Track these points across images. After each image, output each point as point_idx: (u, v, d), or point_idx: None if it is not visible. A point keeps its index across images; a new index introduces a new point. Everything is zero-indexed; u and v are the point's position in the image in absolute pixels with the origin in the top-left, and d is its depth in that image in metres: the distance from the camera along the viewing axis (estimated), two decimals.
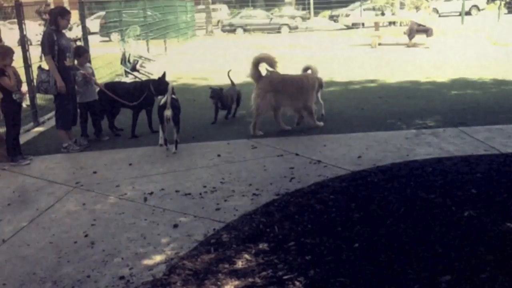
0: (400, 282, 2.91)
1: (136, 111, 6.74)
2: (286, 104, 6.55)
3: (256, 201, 4.24)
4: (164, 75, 6.70)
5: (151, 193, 4.60)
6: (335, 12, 33.24)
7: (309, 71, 6.97)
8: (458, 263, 3.07)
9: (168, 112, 5.82)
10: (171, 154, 5.80)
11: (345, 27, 28.15)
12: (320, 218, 3.82)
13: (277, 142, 5.99)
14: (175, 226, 3.89)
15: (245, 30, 28.23)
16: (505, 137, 5.76)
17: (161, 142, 6.06)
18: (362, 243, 3.38)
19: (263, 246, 3.43)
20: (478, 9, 34.73)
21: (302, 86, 6.54)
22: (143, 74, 12.52)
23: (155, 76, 11.77)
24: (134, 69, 12.45)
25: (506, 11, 28.19)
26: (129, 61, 12.46)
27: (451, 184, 4.39)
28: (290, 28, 28.38)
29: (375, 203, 4.05)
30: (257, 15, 29.78)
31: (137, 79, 11.36)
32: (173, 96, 6.05)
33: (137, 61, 12.86)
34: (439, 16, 32.21)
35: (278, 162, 5.29)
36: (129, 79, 11.38)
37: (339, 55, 15.34)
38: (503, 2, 28.38)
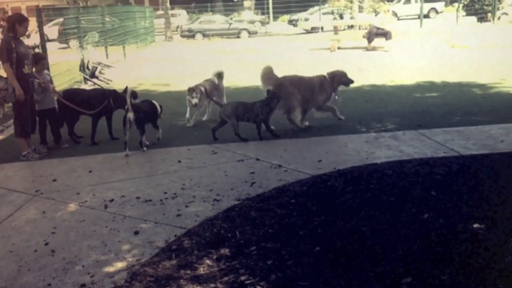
0: (361, 285, 2.93)
1: (95, 118, 6.62)
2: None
3: (217, 207, 4.20)
4: (126, 89, 6.64)
5: (112, 200, 4.51)
6: (294, 16, 33.56)
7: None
8: (418, 265, 3.11)
9: (130, 115, 5.86)
10: (132, 160, 5.71)
11: (304, 31, 28.44)
12: (281, 222, 3.81)
13: (238, 147, 5.95)
14: (136, 233, 3.82)
15: (204, 35, 28.15)
16: (464, 139, 5.89)
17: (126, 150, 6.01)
18: (323, 246, 3.38)
19: (224, 251, 3.39)
20: (437, 12, 35.73)
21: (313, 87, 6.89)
22: (102, 80, 12.31)
23: (115, 82, 11.57)
24: (93, 75, 12.24)
25: (464, 13, 29.10)
26: (88, 67, 12.25)
27: (411, 186, 4.45)
28: (249, 33, 28.48)
29: (336, 206, 4.07)
30: (216, 20, 29.75)
31: (96, 86, 11.18)
32: (155, 102, 6.48)
33: (96, 67, 12.66)
34: (398, 19, 32.95)
35: (239, 167, 5.26)
36: (88, 86, 11.17)
37: (299, 60, 15.47)
38: (461, 5, 29.31)
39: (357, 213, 3.91)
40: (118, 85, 10.55)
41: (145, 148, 6.07)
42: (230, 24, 29.44)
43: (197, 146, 6.17)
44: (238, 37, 27.94)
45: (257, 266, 3.17)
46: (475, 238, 3.41)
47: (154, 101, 6.54)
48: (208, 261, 3.28)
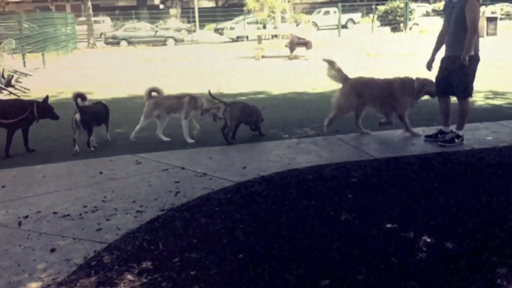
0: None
1: (11, 130, 6.31)
2: (373, 106, 6.72)
3: (140, 218, 4.13)
4: (46, 99, 6.47)
5: (26, 217, 4.28)
6: (220, 25, 33.77)
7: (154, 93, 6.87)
8: (336, 266, 3.23)
9: (76, 116, 6.27)
10: (50, 173, 5.48)
11: (230, 40, 28.70)
12: (205, 232, 3.81)
13: (162, 157, 5.90)
14: (53, 250, 3.65)
15: (129, 43, 27.63)
16: (378, 143, 6.21)
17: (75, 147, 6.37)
18: (246, 253, 3.43)
19: (146, 264, 3.34)
20: (354, 22, 37.35)
21: (389, 90, 6.53)
22: (18, 89, 11.76)
23: (33, 91, 11.05)
24: (8, 84, 11.66)
25: (379, 24, 30.60)
26: (3, 76, 11.66)
27: (329, 190, 4.62)
28: (175, 40, 28.33)
29: (259, 212, 4.14)
30: (141, 28, 29.31)
31: (12, 96, 10.65)
32: (103, 103, 6.86)
33: (12, 76, 12.07)
34: (318, 29, 34.06)
35: (163, 176, 5.21)
36: (3, 96, 10.60)
37: (225, 68, 15.59)
38: (375, 16, 30.82)
39: (279, 218, 4.00)
40: (36, 94, 10.12)
41: (92, 148, 6.38)
42: (156, 31, 29.11)
43: (120, 156, 6.04)
44: (165, 44, 27.67)
45: (180, 278, 3.15)
46: (389, 237, 3.60)
47: (105, 103, 6.87)
48: (129, 276, 3.21)
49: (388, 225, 3.79)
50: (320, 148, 6.10)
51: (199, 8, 36.44)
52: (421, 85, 6.41)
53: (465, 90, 5.82)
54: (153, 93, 6.84)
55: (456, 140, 5.94)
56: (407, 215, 3.97)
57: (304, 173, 5.15)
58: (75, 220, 4.18)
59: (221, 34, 32.13)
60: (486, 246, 3.39)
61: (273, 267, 3.23)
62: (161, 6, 40.94)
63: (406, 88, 6.43)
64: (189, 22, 35.26)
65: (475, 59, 5.75)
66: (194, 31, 33.58)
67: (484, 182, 4.65)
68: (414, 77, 6.53)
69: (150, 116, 6.72)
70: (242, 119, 6.52)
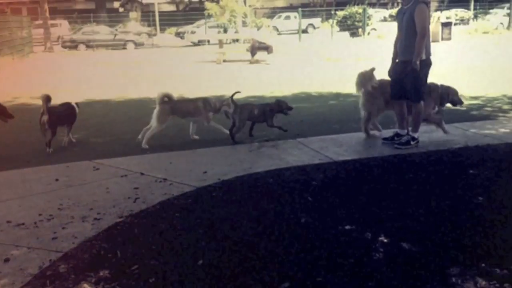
0: None
1: None
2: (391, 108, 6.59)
3: (98, 226, 4.04)
4: None
5: None
6: (181, 29, 33.57)
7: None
8: (296, 268, 3.25)
9: (44, 118, 6.30)
10: (3, 181, 5.30)
11: (191, 44, 28.57)
12: (165, 238, 3.77)
13: (121, 162, 5.80)
14: (6, 260, 3.52)
15: (88, 46, 27.10)
16: (337, 146, 6.29)
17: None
18: (206, 259, 3.41)
19: (104, 273, 3.27)
20: (314, 27, 37.82)
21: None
22: None
23: None
24: None
25: (338, 29, 31.11)
26: None
27: (289, 193, 4.66)
28: (135, 44, 27.97)
29: (219, 217, 4.13)
30: (100, 31, 28.80)
31: None
32: (74, 104, 6.87)
33: None
34: (279, 34, 34.32)
35: (122, 183, 5.12)
36: None
37: (186, 72, 15.50)
38: (335, 21, 31.32)
39: (240, 222, 4.00)
40: None
41: (51, 150, 6.40)
42: (115, 35, 28.65)
43: (77, 163, 5.90)
44: (124, 48, 27.28)
45: (138, 286, 3.10)
46: (347, 239, 3.65)
47: (74, 104, 6.83)
48: (86, 285, 3.13)
49: (347, 227, 3.85)
50: (281, 151, 6.14)
51: (159, 12, 36.10)
52: (446, 93, 6.52)
53: (417, 94, 5.99)
54: (165, 98, 6.79)
55: (411, 142, 6.10)
56: (365, 216, 4.04)
57: (264, 177, 5.17)
58: (29, 229, 4.05)
59: (182, 38, 31.94)
60: (440, 246, 3.49)
61: (234, 272, 3.22)
62: (121, 10, 40.36)
63: (430, 93, 6.38)
64: (149, 25, 34.91)
65: (426, 64, 5.92)
66: (155, 34, 33.25)
67: (439, 183, 4.79)
68: (439, 83, 6.56)
69: (165, 121, 6.71)
70: (251, 119, 6.82)
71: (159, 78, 13.97)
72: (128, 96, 10.55)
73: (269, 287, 3.05)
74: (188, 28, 32.49)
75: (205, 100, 6.88)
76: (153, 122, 6.63)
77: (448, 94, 6.52)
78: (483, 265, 3.21)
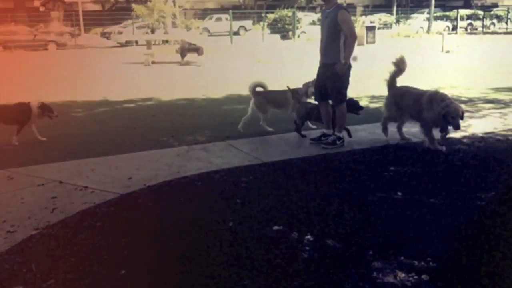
0: None
1: None
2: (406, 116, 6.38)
3: (11, 239, 3.76)
4: None
5: None
6: (108, 29, 32.58)
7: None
8: (223, 272, 3.19)
9: None
10: None
11: (118, 45, 27.79)
12: (84, 248, 3.58)
13: (38, 171, 5.44)
14: None
15: (5, 47, 25.64)
16: (267, 147, 6.29)
17: None
18: (129, 269, 3.27)
19: None
20: (246, 30, 37.94)
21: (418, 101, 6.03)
22: None
23: None
24: None
25: (269, 31, 31.43)
26: None
27: (218, 196, 4.59)
28: (58, 45, 26.79)
29: (144, 225, 3.98)
30: (19, 31, 27.33)
31: None
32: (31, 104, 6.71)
33: None
34: (210, 35, 34.17)
35: (38, 192, 4.80)
36: None
37: (112, 74, 15.03)
38: (265, 24, 31.61)
39: (166, 228, 3.88)
40: None
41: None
42: (36, 35, 27.31)
43: None
44: (46, 49, 26.06)
45: None
46: (275, 240, 3.63)
47: (31, 103, 6.67)
48: None
49: (275, 228, 3.83)
50: (211, 154, 6.05)
51: (83, 11, 34.76)
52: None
53: (339, 96, 6.11)
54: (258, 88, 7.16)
55: (337, 142, 6.21)
56: (293, 216, 4.05)
57: (193, 181, 5.06)
58: None
59: (108, 38, 31.00)
60: (363, 242, 3.55)
61: (157, 280, 3.11)
62: (42, 9, 38.48)
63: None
64: (72, 25, 33.53)
65: (348, 66, 6.04)
66: (79, 35, 32.03)
67: (362, 181, 4.91)
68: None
69: (267, 109, 7.19)
70: (309, 118, 6.79)
71: (82, 80, 13.45)
72: (47, 100, 10.02)
73: None
74: (115, 28, 31.57)
75: (293, 91, 6.98)
76: (250, 111, 7.20)
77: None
78: (402, 258, 3.30)
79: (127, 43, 27.54)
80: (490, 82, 11.29)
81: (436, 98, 5.84)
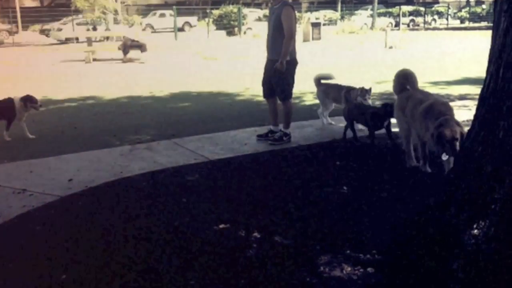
0: None
1: None
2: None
3: None
4: None
5: None
6: (47, 26, 31.36)
7: None
8: (170, 274, 3.13)
9: None
10: None
11: (58, 42, 26.84)
12: (23, 254, 3.42)
13: None
14: None
15: None
16: (213, 145, 6.23)
17: None
18: (70, 273, 3.16)
19: None
20: (191, 26, 37.51)
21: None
22: None
23: None
24: None
25: (215, 27, 31.22)
26: None
27: (163, 196, 4.51)
28: None
29: (85, 227, 3.86)
30: None
31: None
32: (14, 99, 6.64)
33: None
34: (154, 31, 33.60)
35: None
36: None
37: (52, 72, 14.48)
38: (211, 20, 31.38)
39: (109, 231, 3.77)
40: None
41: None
42: None
43: None
44: None
45: None
46: (222, 237, 3.61)
47: (14, 98, 6.61)
48: None
49: (221, 226, 3.80)
50: (155, 153, 5.93)
51: (21, 8, 33.33)
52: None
53: (284, 93, 6.15)
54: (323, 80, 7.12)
55: (284, 138, 6.25)
56: (239, 214, 4.04)
57: (137, 181, 4.95)
58: None
59: (47, 35, 29.83)
60: (310, 237, 3.59)
61: (99, 284, 3.01)
62: None
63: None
64: (9, 22, 32.05)
65: (292, 63, 6.08)
66: (17, 32, 30.65)
67: (309, 176, 4.95)
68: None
69: (326, 102, 7.12)
70: (354, 119, 6.25)
71: (20, 79, 12.87)
72: None
73: None
74: (54, 25, 30.42)
75: (347, 90, 6.85)
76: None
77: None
78: (348, 251, 3.36)
79: (67, 40, 26.58)
80: (430, 77, 11.71)
81: (432, 111, 4.67)
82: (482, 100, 3.41)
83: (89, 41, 18.56)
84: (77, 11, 28.32)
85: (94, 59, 16.87)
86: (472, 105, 3.69)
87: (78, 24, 28.67)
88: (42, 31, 31.46)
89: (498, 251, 2.92)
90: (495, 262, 2.88)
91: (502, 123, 3.13)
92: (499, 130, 3.15)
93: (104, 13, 27.14)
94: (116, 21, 27.75)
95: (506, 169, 3.05)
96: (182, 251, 3.43)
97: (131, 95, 10.39)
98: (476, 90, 3.49)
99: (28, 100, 6.78)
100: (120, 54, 16.97)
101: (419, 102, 4.91)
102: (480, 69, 3.44)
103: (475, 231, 3.07)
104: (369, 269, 3.14)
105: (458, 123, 4.45)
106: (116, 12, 27.38)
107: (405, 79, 5.46)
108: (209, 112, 8.60)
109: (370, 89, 6.77)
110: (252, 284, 3.00)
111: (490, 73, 3.34)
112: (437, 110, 4.63)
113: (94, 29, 27.22)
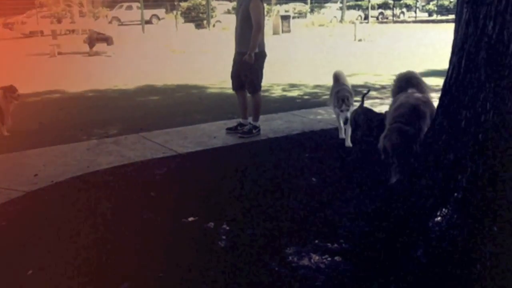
0: None
1: None
2: None
3: None
4: None
5: None
6: (10, 19, 30.48)
7: None
8: (138, 267, 3.12)
9: None
10: None
11: (22, 36, 26.15)
12: None
13: None
14: None
15: None
16: (182, 138, 6.19)
17: None
18: (37, 268, 3.11)
19: None
20: (158, 18, 37.00)
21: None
22: None
23: None
24: None
25: (183, 20, 30.88)
26: None
27: (131, 190, 4.47)
28: None
29: (52, 222, 3.79)
30: None
31: None
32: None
33: None
34: (120, 24, 33.03)
35: None
36: None
37: (15, 66, 14.08)
38: (179, 12, 31.03)
39: (75, 226, 3.72)
40: None
41: None
42: None
43: None
44: None
45: None
46: (190, 230, 3.61)
47: None
48: None
49: (190, 218, 3.80)
50: (123, 147, 5.86)
51: None
52: None
53: (252, 85, 6.15)
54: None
55: (253, 131, 6.26)
56: (208, 207, 4.03)
57: (104, 175, 4.89)
58: None
59: (11, 29, 29.00)
60: (278, 228, 3.61)
61: (65, 279, 2.98)
62: None
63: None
64: None
65: (260, 56, 6.09)
66: None
67: (278, 168, 4.98)
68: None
69: None
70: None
71: None
72: None
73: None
74: (18, 18, 29.59)
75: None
76: None
77: None
78: (316, 241, 3.39)
79: (32, 34, 25.90)
80: (398, 69, 11.88)
81: (390, 116, 4.32)
82: (445, 90, 3.50)
83: (54, 35, 18.15)
84: (42, 4, 27.59)
85: (59, 53, 16.50)
86: (437, 97, 3.76)
87: (42, 17, 27.95)
88: (6, 25, 30.57)
89: (461, 237, 3.00)
90: (457, 248, 2.97)
91: (464, 113, 3.22)
92: (461, 120, 3.23)
93: (69, 5, 26.51)
94: (81, 14, 27.15)
95: (468, 158, 3.14)
96: (149, 243, 3.41)
97: (97, 89, 10.22)
98: (442, 82, 3.55)
99: (7, 90, 6.55)
100: (86, 48, 16.64)
101: (394, 103, 4.55)
102: (447, 61, 3.50)
103: (439, 218, 3.16)
104: (337, 258, 3.18)
105: (406, 131, 3.96)
106: (81, 4, 26.78)
107: (406, 82, 4.83)
108: (177, 105, 8.54)
109: (347, 97, 5.57)
110: (221, 275, 3.01)
111: (453, 64, 3.42)
112: (395, 114, 4.22)
113: (59, 22, 26.56)
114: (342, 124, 5.78)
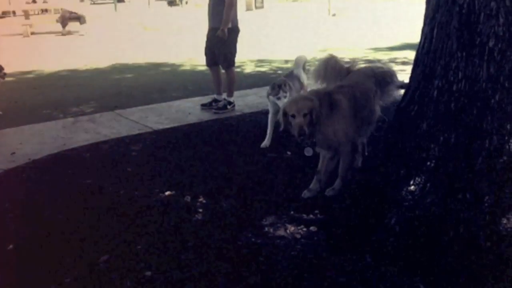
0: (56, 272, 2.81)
1: None
2: None
3: None
4: None
5: None
6: None
7: None
8: (116, 240, 3.16)
9: None
10: None
11: None
12: None
13: None
14: None
15: None
16: (157, 115, 6.18)
17: None
18: (16, 243, 3.15)
19: None
20: None
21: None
22: None
23: None
24: None
25: None
26: None
27: (108, 166, 4.48)
28: None
29: (31, 198, 3.81)
30: None
31: None
32: None
33: None
34: (93, 3, 32.30)
35: None
36: None
37: None
38: None
39: (54, 202, 3.74)
40: None
41: None
42: None
43: None
44: None
45: None
46: (167, 204, 3.65)
47: None
48: None
49: (167, 193, 3.83)
50: (98, 125, 5.83)
51: None
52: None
53: (226, 60, 6.15)
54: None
55: (228, 107, 6.28)
56: (185, 181, 4.07)
57: (80, 152, 4.89)
58: None
59: None
60: (254, 200, 3.68)
61: (45, 253, 3.02)
62: None
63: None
64: None
65: (233, 31, 6.07)
66: None
67: (251, 142, 5.02)
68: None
69: None
70: None
71: None
72: None
73: (88, 261, 2.92)
74: None
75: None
76: None
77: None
78: (292, 212, 3.46)
79: (4, 14, 25.15)
80: (371, 43, 11.94)
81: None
82: (418, 61, 3.53)
83: (27, 15, 17.68)
84: None
85: (32, 33, 16.14)
86: (409, 69, 3.81)
87: None
88: None
89: (433, 205, 3.06)
90: (430, 216, 3.03)
91: (436, 82, 3.24)
92: (433, 89, 3.26)
93: None
94: None
95: (440, 127, 3.16)
96: (126, 217, 3.45)
97: (71, 68, 10.06)
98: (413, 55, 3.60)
99: None
100: (58, 27, 16.28)
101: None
102: (420, 33, 3.54)
103: (412, 187, 3.21)
104: (312, 228, 3.25)
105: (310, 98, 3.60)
106: None
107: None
108: (152, 83, 8.48)
109: (285, 83, 4.94)
110: (198, 246, 3.06)
111: (425, 34, 3.44)
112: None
113: (34, 1, 25.82)
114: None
